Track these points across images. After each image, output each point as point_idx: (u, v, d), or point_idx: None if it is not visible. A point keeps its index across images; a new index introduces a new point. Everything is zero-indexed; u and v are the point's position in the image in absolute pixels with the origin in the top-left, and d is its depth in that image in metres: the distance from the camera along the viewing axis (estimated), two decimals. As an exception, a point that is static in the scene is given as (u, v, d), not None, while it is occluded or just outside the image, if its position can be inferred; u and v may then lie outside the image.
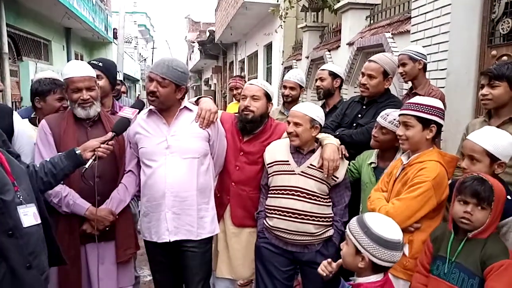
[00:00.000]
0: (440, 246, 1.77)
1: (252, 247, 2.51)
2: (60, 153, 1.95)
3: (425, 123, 1.97)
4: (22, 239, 1.47)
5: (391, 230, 1.50)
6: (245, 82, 4.55)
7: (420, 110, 1.97)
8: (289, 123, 2.30)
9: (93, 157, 1.94)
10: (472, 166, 1.83)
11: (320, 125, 2.31)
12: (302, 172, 2.29)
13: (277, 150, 2.38)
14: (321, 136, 2.37)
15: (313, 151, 2.33)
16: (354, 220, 1.57)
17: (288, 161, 2.32)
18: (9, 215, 1.43)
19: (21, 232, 1.46)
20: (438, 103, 2.01)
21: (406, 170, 2.01)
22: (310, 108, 2.31)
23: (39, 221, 1.56)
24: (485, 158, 1.80)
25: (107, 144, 2.00)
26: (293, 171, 2.30)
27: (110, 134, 2.05)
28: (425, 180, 1.88)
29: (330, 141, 2.31)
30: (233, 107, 4.74)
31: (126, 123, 2.13)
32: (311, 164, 2.29)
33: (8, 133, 2.18)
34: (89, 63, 2.71)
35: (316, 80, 3.43)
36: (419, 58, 2.90)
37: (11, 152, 1.68)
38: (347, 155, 2.36)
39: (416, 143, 2.00)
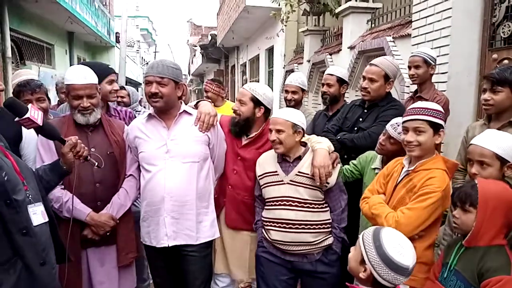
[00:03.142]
0: (449, 252, 1.75)
1: (247, 250, 2.52)
2: (45, 165, 1.98)
3: (436, 128, 1.92)
4: (35, 237, 1.51)
5: (403, 254, 1.42)
6: (217, 86, 4.56)
7: (432, 115, 1.91)
8: (271, 131, 2.26)
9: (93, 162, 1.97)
10: (482, 171, 1.80)
11: (303, 129, 2.26)
12: (291, 181, 2.25)
13: (266, 162, 2.36)
14: (312, 140, 2.34)
15: (299, 158, 2.28)
16: (371, 230, 1.51)
17: (276, 171, 2.29)
18: (22, 214, 1.48)
19: (32, 230, 1.50)
20: (440, 107, 1.97)
21: (411, 176, 1.96)
22: (291, 113, 2.26)
23: (47, 219, 1.60)
24: (495, 162, 1.77)
25: (77, 147, 1.94)
26: (282, 181, 2.26)
27: (74, 138, 1.97)
28: (436, 190, 1.84)
29: (321, 146, 2.26)
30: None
31: (50, 128, 1.89)
32: (299, 172, 2.24)
33: (17, 140, 2.20)
34: (108, 67, 2.77)
35: (323, 85, 3.36)
36: (433, 63, 2.88)
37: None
38: (340, 163, 2.32)
39: (427, 148, 1.94)
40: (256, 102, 2.47)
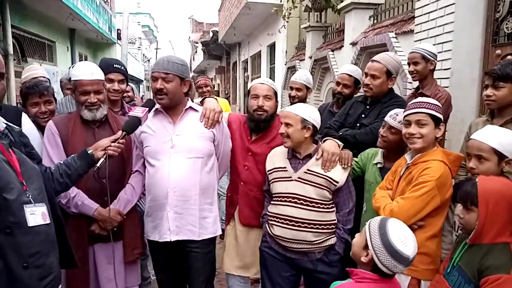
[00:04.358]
0: (456, 248, 1.77)
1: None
2: (73, 155, 1.98)
3: (437, 122, 1.99)
4: (23, 238, 1.46)
5: (405, 244, 1.48)
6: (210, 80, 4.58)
7: (433, 109, 1.99)
8: (281, 124, 2.28)
9: (104, 156, 1.96)
10: (480, 166, 1.82)
11: (313, 125, 2.25)
12: (299, 178, 2.25)
13: (276, 157, 2.37)
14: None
15: (310, 156, 2.28)
16: (378, 219, 1.58)
17: (285, 167, 2.29)
18: (10, 213, 1.43)
19: (23, 231, 1.46)
20: (439, 103, 2.04)
21: (411, 169, 2.02)
22: (302, 109, 2.26)
23: (47, 221, 1.56)
24: (493, 157, 1.79)
25: (118, 142, 2.02)
26: (290, 177, 2.27)
27: (120, 133, 2.07)
28: (429, 179, 1.90)
29: (331, 138, 2.32)
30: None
31: (136, 122, 2.14)
32: (308, 170, 2.24)
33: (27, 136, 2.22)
34: (113, 66, 2.73)
35: (338, 83, 3.31)
36: (432, 59, 2.87)
37: (33, 154, 1.71)
38: (352, 164, 2.32)
39: (429, 141, 2.01)
40: (276, 97, 2.56)
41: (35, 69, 3.14)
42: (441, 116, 1.99)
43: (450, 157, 2.01)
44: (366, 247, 1.53)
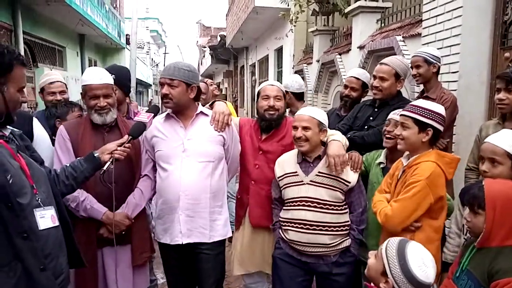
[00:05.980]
0: (465, 252, 1.76)
1: (266, 245, 2.57)
2: (79, 157, 2.00)
3: (422, 126, 1.98)
4: (38, 241, 1.48)
5: (427, 272, 1.45)
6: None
7: (419, 113, 1.98)
8: (295, 128, 2.25)
9: (111, 160, 1.98)
10: (493, 169, 1.82)
11: (326, 128, 2.29)
12: (311, 181, 2.25)
13: (286, 163, 2.37)
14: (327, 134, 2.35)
15: (319, 158, 2.28)
16: (395, 243, 1.52)
17: (296, 172, 2.29)
18: (25, 217, 1.45)
19: (36, 234, 1.48)
20: (438, 109, 2.01)
21: (406, 172, 2.03)
22: (316, 111, 2.28)
23: (56, 224, 1.58)
24: (506, 160, 1.78)
25: (124, 146, 2.05)
26: (302, 181, 2.27)
27: (126, 137, 2.10)
28: (419, 179, 1.90)
29: (334, 138, 2.30)
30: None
31: (142, 127, 2.18)
32: (319, 172, 2.24)
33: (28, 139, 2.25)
34: None
35: (346, 86, 3.32)
36: (434, 62, 2.86)
37: (35, 157, 1.72)
38: (361, 167, 2.32)
39: (412, 144, 2.02)
40: (285, 97, 2.64)
41: (52, 74, 3.22)
42: (428, 121, 1.97)
43: (445, 159, 2.00)
44: (384, 273, 1.49)
